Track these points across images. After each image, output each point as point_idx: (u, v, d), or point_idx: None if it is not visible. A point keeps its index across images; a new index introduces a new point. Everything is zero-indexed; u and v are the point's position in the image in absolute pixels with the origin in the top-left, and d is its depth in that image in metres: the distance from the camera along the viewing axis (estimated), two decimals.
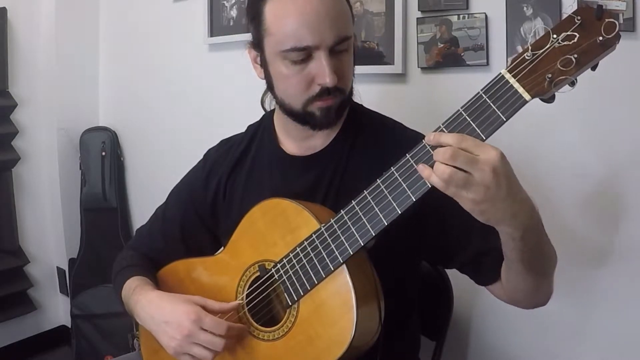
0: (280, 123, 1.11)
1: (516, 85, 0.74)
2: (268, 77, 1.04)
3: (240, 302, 0.99)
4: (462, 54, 1.39)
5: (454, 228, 0.98)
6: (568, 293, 1.32)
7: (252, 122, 1.22)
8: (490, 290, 1.02)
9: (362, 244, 0.85)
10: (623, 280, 1.25)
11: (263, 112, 1.21)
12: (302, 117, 1.02)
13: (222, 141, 1.24)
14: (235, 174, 1.16)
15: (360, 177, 0.87)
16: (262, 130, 1.17)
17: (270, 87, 1.05)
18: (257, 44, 1.02)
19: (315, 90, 0.97)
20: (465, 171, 0.72)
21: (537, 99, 0.74)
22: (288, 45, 0.95)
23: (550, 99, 0.75)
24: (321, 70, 0.95)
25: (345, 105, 1.03)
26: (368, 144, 1.05)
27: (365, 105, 1.14)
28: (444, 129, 0.77)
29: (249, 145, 1.17)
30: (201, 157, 1.25)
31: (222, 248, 1.11)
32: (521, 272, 0.89)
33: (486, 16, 1.35)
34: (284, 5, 0.95)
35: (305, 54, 0.95)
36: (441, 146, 0.75)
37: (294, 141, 1.09)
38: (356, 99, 1.10)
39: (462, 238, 0.98)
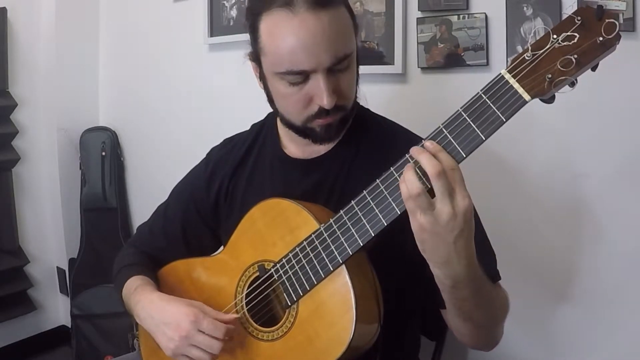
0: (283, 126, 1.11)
1: (516, 86, 0.73)
2: (267, 92, 1.02)
3: (237, 315, 0.98)
4: (462, 54, 1.38)
5: None
6: (569, 294, 1.32)
7: (253, 122, 1.21)
8: (443, 315, 1.01)
9: (362, 245, 0.84)
10: (631, 278, 1.24)
11: (263, 113, 1.20)
12: (302, 132, 1.01)
13: (225, 140, 1.24)
14: (238, 175, 1.15)
15: (363, 182, 0.85)
16: (266, 130, 1.16)
17: (270, 101, 1.04)
18: (256, 58, 1.00)
19: (314, 109, 0.95)
20: (432, 195, 0.74)
21: (537, 99, 0.74)
22: (283, 68, 0.92)
23: (550, 100, 0.75)
24: (319, 92, 0.92)
25: (347, 119, 1.01)
26: (373, 148, 1.04)
27: (365, 105, 1.13)
28: (443, 129, 0.77)
29: (252, 145, 1.16)
30: (201, 157, 1.24)
31: (222, 248, 1.11)
32: (456, 316, 0.90)
33: (486, 16, 1.35)
34: (278, 25, 0.91)
35: (302, 77, 0.92)
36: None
37: (297, 144, 1.08)
38: (362, 102, 1.09)
39: None
